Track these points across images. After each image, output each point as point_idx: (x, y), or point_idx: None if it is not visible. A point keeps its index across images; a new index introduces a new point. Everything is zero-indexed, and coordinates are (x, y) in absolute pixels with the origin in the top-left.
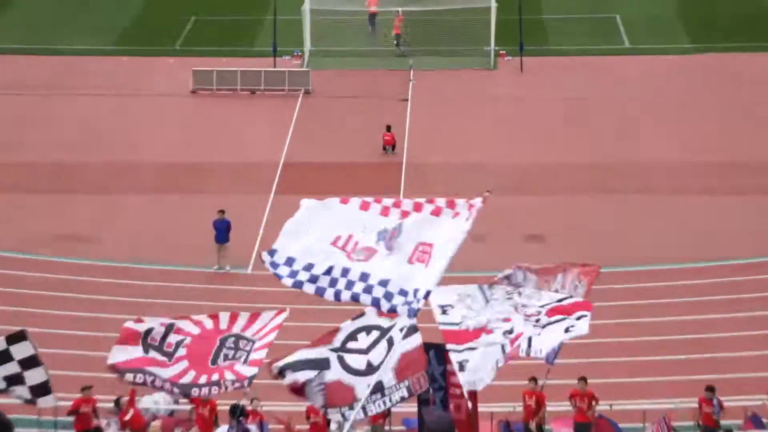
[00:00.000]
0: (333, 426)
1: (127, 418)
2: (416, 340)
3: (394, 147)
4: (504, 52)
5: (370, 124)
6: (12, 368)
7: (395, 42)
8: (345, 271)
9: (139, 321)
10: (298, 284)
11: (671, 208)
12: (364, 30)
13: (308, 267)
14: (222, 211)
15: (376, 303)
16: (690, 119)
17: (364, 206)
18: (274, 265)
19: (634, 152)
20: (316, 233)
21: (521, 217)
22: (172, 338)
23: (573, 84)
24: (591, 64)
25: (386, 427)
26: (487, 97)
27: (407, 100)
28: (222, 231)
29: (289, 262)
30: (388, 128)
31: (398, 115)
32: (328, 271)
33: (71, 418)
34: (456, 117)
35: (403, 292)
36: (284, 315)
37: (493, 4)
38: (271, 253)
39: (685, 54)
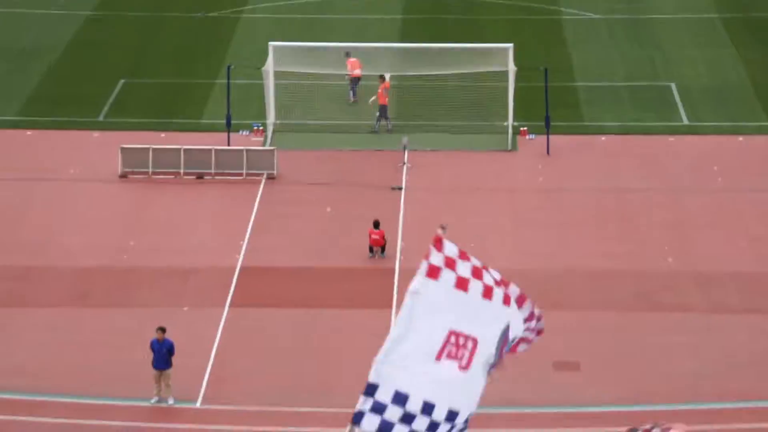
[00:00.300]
0: None
1: None
2: None
3: (383, 249)
4: (525, 128)
5: (352, 220)
6: None
7: (377, 114)
8: (452, 415)
9: None
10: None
11: (741, 330)
12: (344, 99)
13: (401, 400)
14: (162, 330)
15: None
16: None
17: (487, 293)
18: (379, 409)
19: (691, 260)
20: (418, 339)
21: (548, 339)
22: None
23: (613, 171)
24: (637, 146)
25: None
26: (503, 188)
27: (400, 189)
28: (162, 354)
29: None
30: (376, 225)
31: (389, 208)
32: (427, 410)
33: None
34: (463, 212)
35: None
36: None
37: (512, 68)
38: (372, 390)
39: (762, 134)
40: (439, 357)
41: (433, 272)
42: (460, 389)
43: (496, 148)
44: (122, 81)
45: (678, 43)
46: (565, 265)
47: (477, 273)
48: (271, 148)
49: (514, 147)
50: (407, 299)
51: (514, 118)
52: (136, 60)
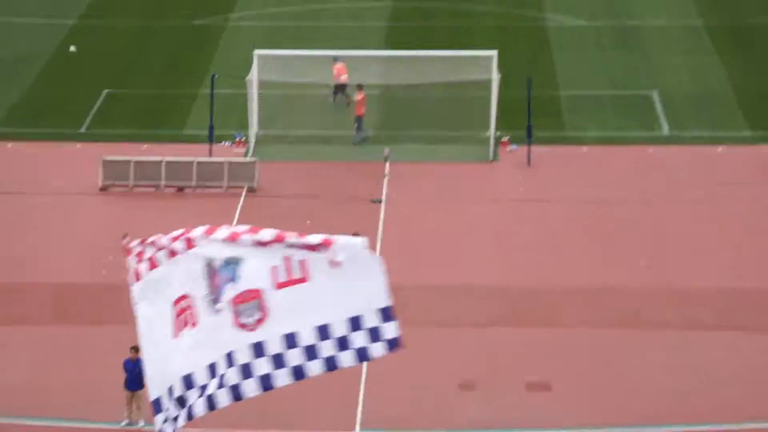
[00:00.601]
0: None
1: None
2: None
3: None
4: (507, 139)
5: (331, 233)
6: None
7: (356, 125)
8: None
9: None
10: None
11: (719, 348)
12: (328, 109)
13: (171, 392)
14: (136, 349)
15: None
16: (750, 232)
17: (172, 254)
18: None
19: (673, 275)
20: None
21: (522, 358)
22: None
23: (595, 182)
24: (618, 156)
25: None
26: (484, 199)
27: (380, 201)
28: (135, 375)
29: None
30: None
31: (369, 221)
32: (187, 383)
33: None
34: (443, 224)
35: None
36: None
37: (495, 76)
38: (158, 406)
39: (744, 144)
40: (176, 333)
41: (136, 275)
42: (205, 343)
43: (477, 159)
44: (105, 91)
45: (662, 51)
46: (543, 280)
47: (158, 245)
48: (252, 159)
49: (496, 157)
50: (136, 313)
51: (497, 128)
52: (119, 70)
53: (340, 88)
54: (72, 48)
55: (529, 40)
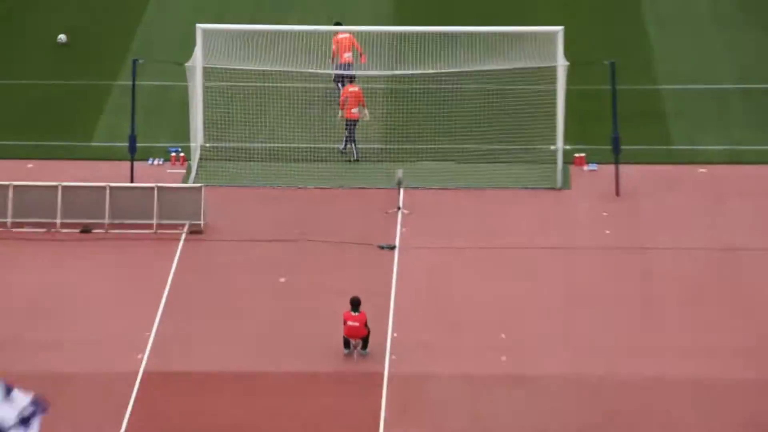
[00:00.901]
0: None
1: None
2: None
3: (366, 342)
4: (582, 155)
5: (318, 298)
6: None
7: (347, 131)
8: None
9: None
10: None
11: None
12: (312, 105)
13: None
14: None
15: None
16: None
17: None
18: None
19: None
20: None
21: None
22: None
23: (718, 220)
24: (755, 181)
25: None
26: (549, 246)
27: (393, 248)
28: None
29: None
30: (355, 305)
31: (375, 277)
32: None
33: None
34: (486, 284)
35: None
36: None
37: (561, 62)
38: None
39: None
40: None
41: None
42: None
43: (537, 185)
44: None
45: None
46: (645, 368)
47: None
48: (198, 185)
49: (566, 183)
50: None
51: (565, 140)
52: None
53: (344, 70)
54: (61, 37)
55: (611, 13)
